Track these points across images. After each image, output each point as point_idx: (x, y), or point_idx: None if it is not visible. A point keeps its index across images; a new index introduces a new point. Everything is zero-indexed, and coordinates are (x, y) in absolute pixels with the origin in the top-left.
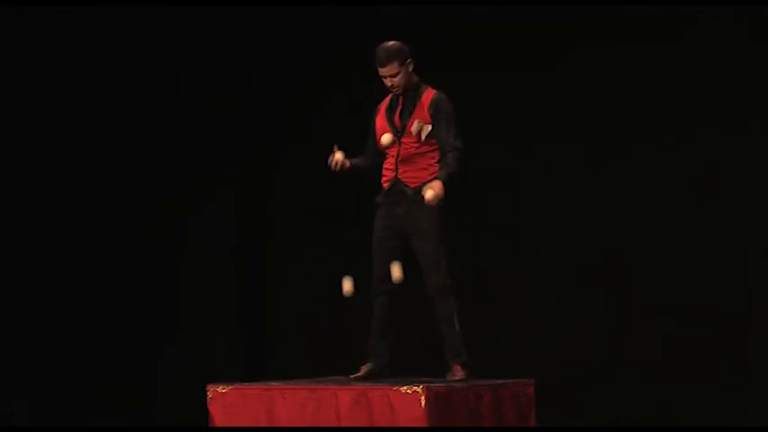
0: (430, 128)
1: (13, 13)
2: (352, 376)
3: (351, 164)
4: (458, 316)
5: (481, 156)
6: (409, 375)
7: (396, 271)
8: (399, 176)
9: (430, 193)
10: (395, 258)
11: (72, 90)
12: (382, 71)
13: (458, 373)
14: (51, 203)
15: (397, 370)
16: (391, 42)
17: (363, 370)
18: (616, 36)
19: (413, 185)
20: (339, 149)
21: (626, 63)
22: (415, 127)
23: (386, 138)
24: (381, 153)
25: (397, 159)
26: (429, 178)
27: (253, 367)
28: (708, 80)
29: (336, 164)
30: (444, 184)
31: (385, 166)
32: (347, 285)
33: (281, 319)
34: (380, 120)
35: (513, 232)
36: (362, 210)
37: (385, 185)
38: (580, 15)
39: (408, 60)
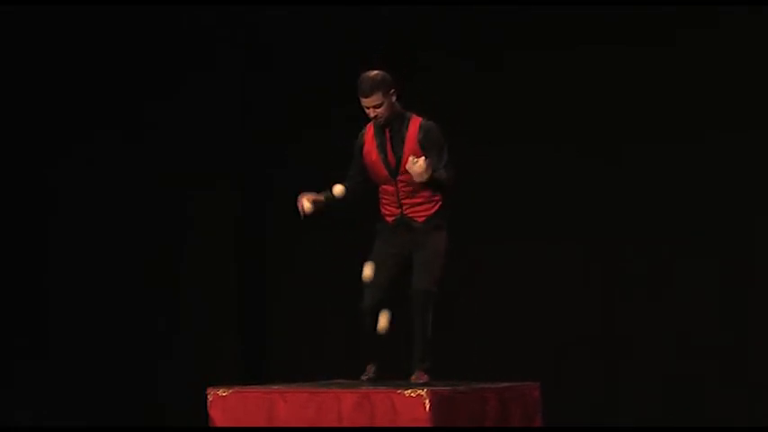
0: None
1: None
2: (412, 379)
3: (324, 200)
4: (432, 324)
5: (482, 156)
6: (408, 378)
7: (383, 320)
8: (405, 213)
9: (420, 164)
10: (391, 281)
11: (76, 86)
12: (365, 102)
13: (422, 377)
14: (50, 203)
15: (397, 372)
16: (374, 72)
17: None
18: (617, 35)
19: (420, 220)
20: (304, 194)
21: (625, 64)
22: (410, 165)
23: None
24: (371, 182)
25: (398, 198)
26: (435, 209)
27: (253, 370)
28: (707, 81)
29: (305, 211)
30: (433, 179)
31: (384, 202)
32: (368, 270)
33: (281, 321)
34: (370, 153)
35: (515, 233)
36: (363, 210)
37: (389, 220)
38: (581, 14)
39: (392, 90)
